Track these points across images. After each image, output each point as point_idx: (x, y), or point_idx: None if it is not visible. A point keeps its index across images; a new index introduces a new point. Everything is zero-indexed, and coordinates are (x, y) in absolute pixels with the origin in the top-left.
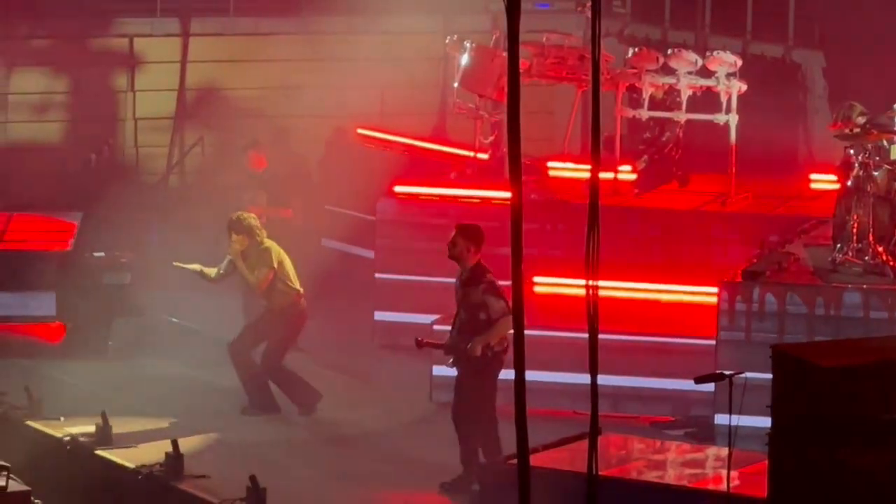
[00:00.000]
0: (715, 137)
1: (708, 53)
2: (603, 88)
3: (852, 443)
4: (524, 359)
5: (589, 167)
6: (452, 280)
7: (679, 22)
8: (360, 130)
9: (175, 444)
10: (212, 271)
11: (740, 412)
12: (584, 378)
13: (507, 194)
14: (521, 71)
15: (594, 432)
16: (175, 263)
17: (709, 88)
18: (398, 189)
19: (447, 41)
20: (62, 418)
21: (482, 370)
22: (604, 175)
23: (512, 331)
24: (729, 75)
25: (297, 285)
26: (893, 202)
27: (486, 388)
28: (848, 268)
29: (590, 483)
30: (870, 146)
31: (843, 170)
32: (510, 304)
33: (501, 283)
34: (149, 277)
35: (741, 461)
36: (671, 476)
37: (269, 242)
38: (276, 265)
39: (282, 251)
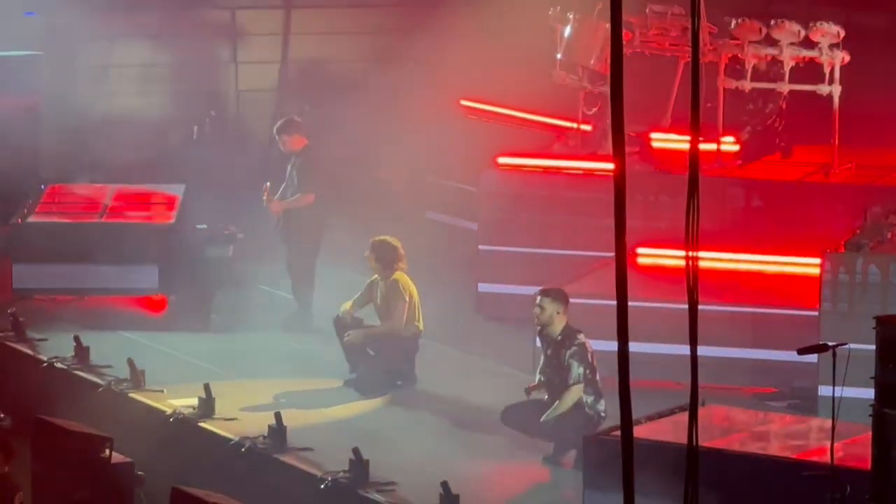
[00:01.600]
0: (818, 108)
1: (811, 24)
2: (705, 60)
3: None
4: (627, 330)
5: (689, 138)
6: (556, 251)
7: None
8: (463, 102)
9: (278, 416)
10: (347, 305)
11: (844, 383)
12: (687, 349)
13: (611, 165)
14: (623, 42)
15: (694, 404)
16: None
17: (812, 59)
18: (501, 160)
19: (550, 12)
20: (165, 391)
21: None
22: (706, 146)
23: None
24: (832, 46)
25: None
26: None
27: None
28: None
29: (690, 455)
30: None
31: None
32: (592, 369)
33: (605, 255)
34: (252, 250)
35: (844, 433)
36: (774, 448)
37: (399, 274)
38: (408, 297)
39: (412, 284)
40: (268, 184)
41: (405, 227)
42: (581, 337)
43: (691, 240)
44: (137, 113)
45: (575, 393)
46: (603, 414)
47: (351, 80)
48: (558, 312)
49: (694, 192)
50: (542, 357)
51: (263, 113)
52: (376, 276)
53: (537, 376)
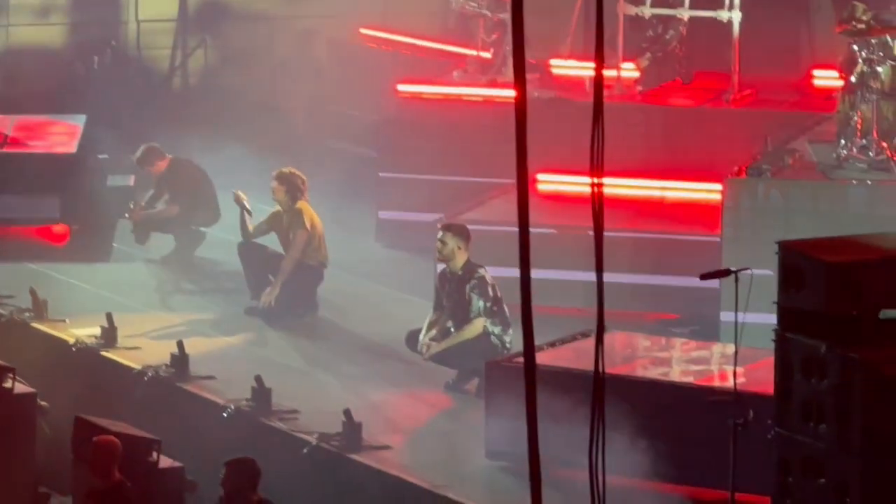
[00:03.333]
0: (718, 35)
1: None
2: None
3: (858, 339)
4: (529, 257)
5: (592, 65)
6: (457, 178)
7: None
8: (362, 30)
9: (180, 344)
10: (251, 224)
11: (746, 309)
12: (590, 276)
13: (511, 93)
14: None
15: (600, 330)
16: (238, 193)
17: None
18: (401, 88)
19: None
20: (67, 321)
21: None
22: (607, 73)
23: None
24: None
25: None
26: None
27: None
28: (852, 164)
29: (596, 381)
30: (874, 42)
31: (847, 66)
32: (497, 302)
33: (506, 181)
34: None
35: (747, 358)
36: (677, 373)
37: (301, 203)
38: (309, 227)
39: (314, 214)
40: (132, 204)
41: (306, 157)
42: (482, 271)
43: (596, 166)
44: (37, 44)
45: (476, 325)
46: (509, 344)
47: (250, 10)
48: (459, 248)
49: (598, 118)
50: (440, 292)
51: (164, 43)
52: (279, 207)
53: (432, 313)
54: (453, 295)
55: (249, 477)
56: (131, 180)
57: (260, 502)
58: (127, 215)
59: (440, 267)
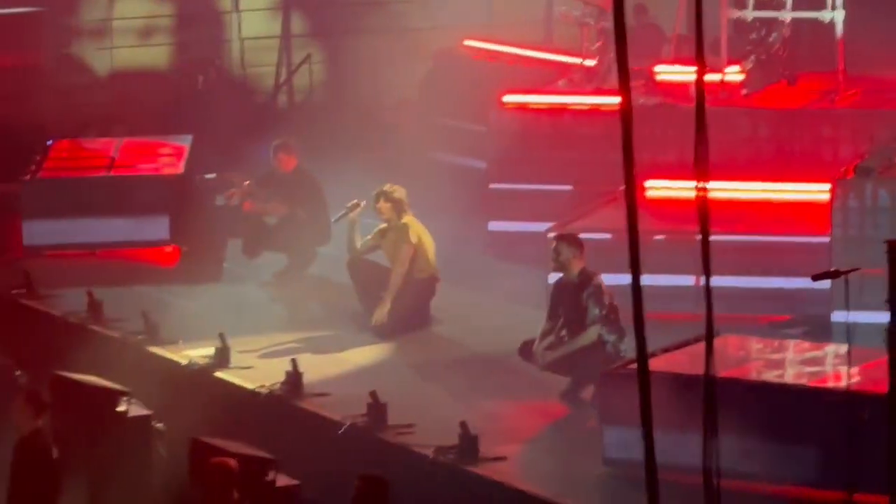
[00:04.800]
0: (821, 35)
1: None
2: None
3: None
4: (639, 263)
5: (695, 70)
6: (565, 187)
7: None
8: (467, 42)
9: (294, 363)
10: (358, 240)
11: (858, 308)
12: (701, 280)
13: (616, 100)
14: None
15: (710, 334)
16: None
17: None
18: (507, 99)
19: None
20: (180, 342)
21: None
22: (711, 77)
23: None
24: None
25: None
26: None
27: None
28: None
29: (707, 385)
30: None
31: None
32: (613, 310)
33: (614, 188)
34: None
35: (861, 358)
36: (790, 375)
37: (408, 218)
38: (415, 241)
39: (422, 228)
40: (246, 182)
41: (413, 170)
42: (597, 279)
43: (701, 171)
44: (142, 65)
45: (591, 333)
46: (624, 352)
47: (353, 24)
48: (574, 257)
49: (701, 122)
50: (555, 301)
51: (268, 60)
52: (385, 223)
53: (546, 322)
54: (569, 304)
55: (379, 492)
56: (239, 200)
57: None
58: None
59: (554, 276)
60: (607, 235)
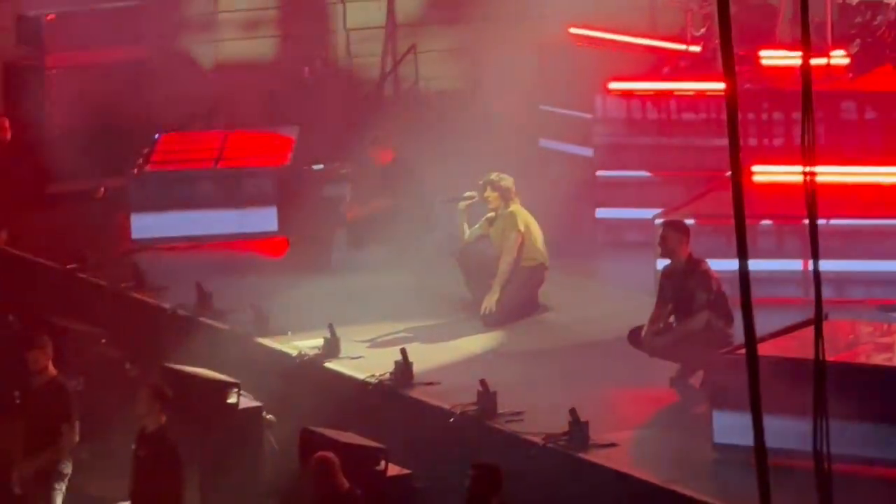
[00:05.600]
0: None
1: None
2: None
3: None
4: (746, 248)
5: (801, 54)
6: (672, 173)
7: None
8: (572, 30)
9: (404, 352)
10: (468, 230)
11: None
12: (809, 265)
13: (722, 85)
14: None
15: (819, 318)
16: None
17: None
18: (613, 86)
19: None
20: (290, 333)
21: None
22: (816, 61)
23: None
24: None
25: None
26: None
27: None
28: None
29: (817, 368)
30: None
31: None
32: (720, 295)
33: (721, 174)
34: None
35: None
36: None
37: (515, 206)
38: (523, 229)
39: (529, 216)
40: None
41: (521, 158)
42: (704, 265)
43: (808, 155)
44: (247, 57)
45: (699, 319)
46: (732, 338)
47: (457, 13)
48: (681, 243)
49: (808, 107)
50: (663, 287)
51: (373, 50)
52: (492, 212)
53: (654, 308)
54: (676, 289)
55: (493, 481)
56: (347, 189)
57: None
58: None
59: (662, 262)
60: (714, 221)
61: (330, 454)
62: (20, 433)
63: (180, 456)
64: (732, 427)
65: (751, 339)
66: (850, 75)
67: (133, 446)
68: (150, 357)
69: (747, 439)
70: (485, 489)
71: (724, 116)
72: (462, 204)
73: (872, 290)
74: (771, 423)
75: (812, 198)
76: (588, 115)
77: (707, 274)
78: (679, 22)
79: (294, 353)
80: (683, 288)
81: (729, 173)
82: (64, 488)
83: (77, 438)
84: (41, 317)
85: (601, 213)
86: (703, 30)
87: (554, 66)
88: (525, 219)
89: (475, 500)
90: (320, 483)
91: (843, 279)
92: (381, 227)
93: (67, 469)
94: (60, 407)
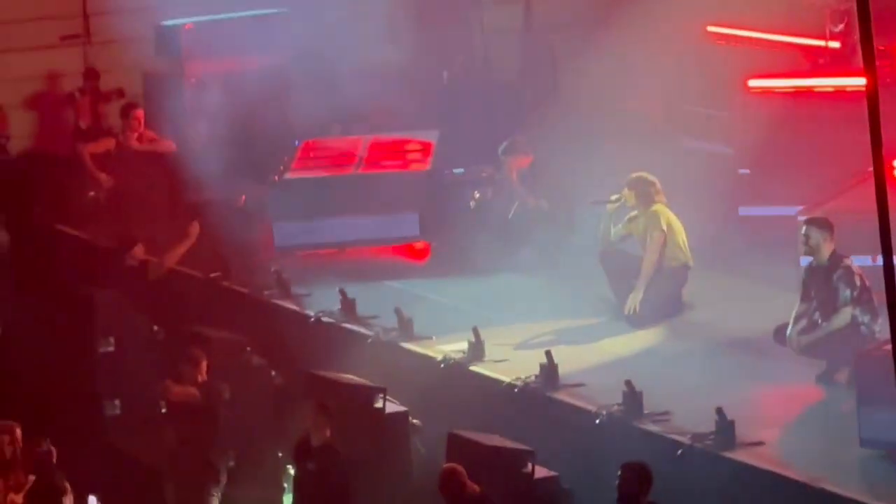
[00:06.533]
0: None
1: None
2: None
3: None
4: (891, 244)
5: None
6: (813, 170)
7: None
8: (710, 28)
9: (549, 354)
10: (612, 231)
11: None
12: None
13: (862, 81)
14: None
15: None
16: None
17: None
18: (752, 83)
19: None
20: (434, 337)
21: None
22: None
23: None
24: None
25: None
26: None
27: None
28: None
29: None
30: None
31: None
32: (865, 291)
33: (863, 169)
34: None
35: None
36: None
37: (657, 206)
38: (665, 228)
39: (671, 215)
40: (477, 194)
41: (664, 157)
42: (847, 261)
43: None
44: (386, 62)
45: (844, 315)
46: (878, 333)
47: (596, 13)
48: (824, 240)
49: None
50: (807, 285)
51: (510, 53)
52: (635, 212)
53: (798, 305)
54: (820, 287)
55: (643, 481)
56: (489, 193)
57: None
58: (472, 203)
59: (806, 260)
60: (857, 217)
61: (455, 465)
62: (169, 443)
63: (348, 471)
64: (879, 424)
65: None
66: None
67: (291, 458)
68: (294, 365)
69: (895, 436)
70: (634, 489)
71: (864, 112)
72: (609, 206)
73: None
74: None
75: None
76: (728, 113)
77: (850, 270)
78: (817, 18)
79: (439, 357)
80: (827, 285)
81: (871, 168)
82: (219, 495)
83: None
84: (186, 327)
85: (744, 210)
86: (841, 26)
87: (694, 65)
88: (668, 218)
89: (625, 499)
90: (450, 494)
91: None
92: (524, 229)
93: (222, 476)
94: (209, 416)
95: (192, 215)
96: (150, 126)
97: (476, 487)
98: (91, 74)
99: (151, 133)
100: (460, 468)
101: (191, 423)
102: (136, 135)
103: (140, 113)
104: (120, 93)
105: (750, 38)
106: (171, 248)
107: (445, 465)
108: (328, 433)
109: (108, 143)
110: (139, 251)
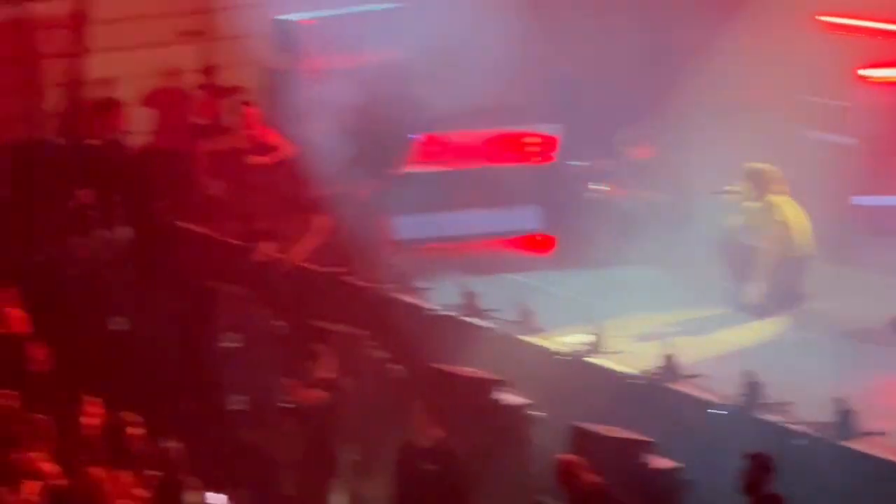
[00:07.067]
0: None
1: None
2: None
3: None
4: None
5: None
6: None
7: None
8: (820, 17)
9: (668, 345)
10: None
11: None
12: None
13: None
14: None
15: None
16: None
17: None
18: (863, 73)
19: None
20: (555, 330)
21: None
22: None
23: None
24: None
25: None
26: None
27: None
28: None
29: None
30: None
31: None
32: None
33: None
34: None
35: None
36: None
37: (776, 197)
38: (782, 220)
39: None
40: (596, 186)
41: (781, 148)
42: None
43: None
44: (505, 56)
45: None
46: None
47: (713, 3)
48: None
49: None
50: None
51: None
52: (755, 202)
53: None
54: None
55: (765, 471)
56: (609, 185)
57: (773, 497)
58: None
59: None
60: None
61: (572, 456)
62: (293, 438)
63: (464, 472)
64: None
65: None
66: None
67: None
68: (415, 358)
69: None
70: (756, 479)
71: None
72: (728, 197)
73: None
74: None
75: None
76: (849, 103)
77: None
78: None
79: (559, 349)
80: None
81: None
82: (343, 488)
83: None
84: (308, 322)
85: (859, 200)
86: None
87: (813, 54)
88: (787, 209)
89: (748, 489)
90: (568, 485)
91: None
92: (643, 221)
93: (345, 470)
94: (332, 410)
95: (317, 210)
96: (269, 122)
97: (595, 478)
98: (209, 71)
99: (273, 133)
100: (577, 459)
101: (314, 417)
102: (250, 132)
103: (252, 110)
104: (237, 89)
105: (862, 27)
106: (298, 243)
107: (562, 457)
108: (439, 432)
109: (226, 141)
110: (267, 247)
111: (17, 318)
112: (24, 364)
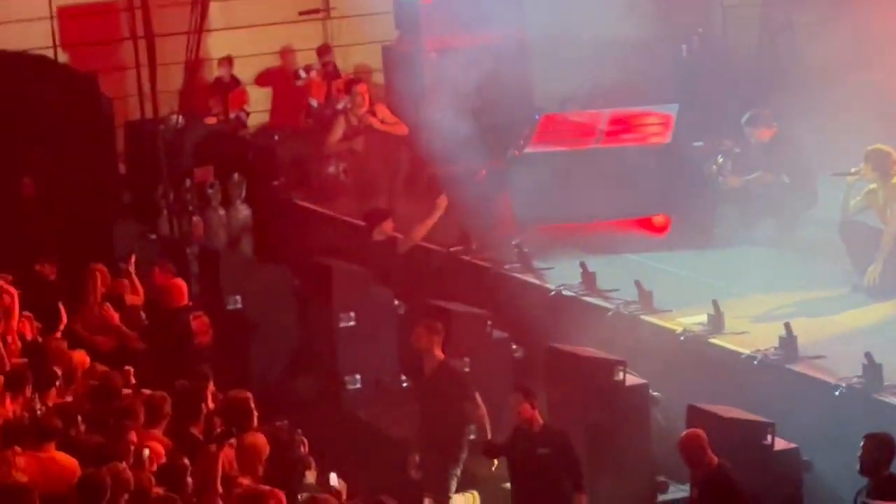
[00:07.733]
0: None
1: None
2: None
3: None
4: None
5: None
6: None
7: None
8: None
9: (788, 326)
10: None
11: None
12: None
13: None
14: None
15: None
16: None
17: None
18: None
19: None
20: (674, 310)
21: None
22: None
23: None
24: None
25: None
26: None
27: None
28: None
29: None
30: None
31: None
32: None
33: None
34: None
35: None
36: None
37: None
38: None
39: None
40: (720, 159)
41: None
42: None
43: None
44: (625, 36)
45: None
46: None
47: None
48: None
49: None
50: None
51: (749, 26)
52: (875, 184)
53: None
54: None
55: (886, 451)
56: (728, 165)
57: (893, 478)
58: (720, 177)
59: None
60: None
61: (698, 430)
62: (415, 419)
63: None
64: None
65: None
66: None
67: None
68: (535, 338)
69: None
70: (877, 459)
71: None
72: (849, 178)
73: None
74: None
75: None
76: None
77: None
78: None
79: (678, 329)
80: None
81: None
82: (459, 472)
83: (483, 414)
84: (426, 301)
85: None
86: None
87: None
88: None
89: (867, 470)
90: (691, 458)
91: None
92: (763, 202)
93: (463, 454)
94: (457, 389)
95: (437, 189)
96: (388, 100)
97: (715, 458)
98: (324, 51)
99: (388, 112)
100: (703, 433)
101: (437, 398)
102: (363, 110)
103: (363, 87)
104: (356, 69)
105: None
106: (418, 222)
107: (688, 430)
108: (542, 421)
109: (341, 122)
110: (388, 226)
111: (181, 289)
112: (190, 337)
